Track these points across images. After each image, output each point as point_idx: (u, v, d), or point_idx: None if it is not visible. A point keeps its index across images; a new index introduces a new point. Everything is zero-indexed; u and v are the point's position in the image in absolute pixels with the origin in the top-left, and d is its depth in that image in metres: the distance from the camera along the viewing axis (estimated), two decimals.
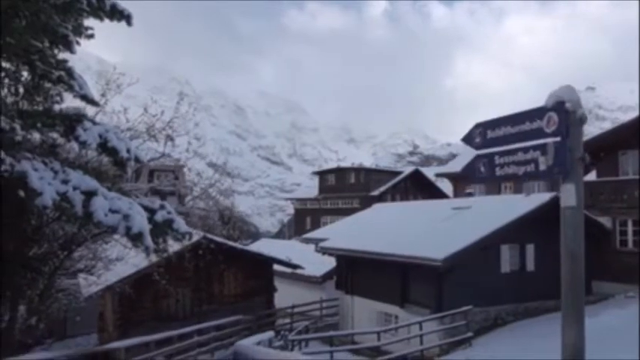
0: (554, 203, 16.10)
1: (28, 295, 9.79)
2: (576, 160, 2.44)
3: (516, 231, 15.66)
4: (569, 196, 2.39)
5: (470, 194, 23.96)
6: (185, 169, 13.63)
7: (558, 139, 2.53)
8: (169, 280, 15.42)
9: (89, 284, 13.88)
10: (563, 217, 2.45)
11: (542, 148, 2.61)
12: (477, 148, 3.13)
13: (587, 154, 2.36)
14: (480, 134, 3.06)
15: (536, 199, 16.95)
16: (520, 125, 2.75)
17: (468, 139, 3.20)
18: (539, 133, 2.63)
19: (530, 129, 2.69)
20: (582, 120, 2.49)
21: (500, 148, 2.92)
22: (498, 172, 2.89)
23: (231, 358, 12.21)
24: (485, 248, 15.19)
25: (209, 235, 18.35)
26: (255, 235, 56.60)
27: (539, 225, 15.83)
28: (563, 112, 2.50)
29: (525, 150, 2.72)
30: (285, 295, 21.94)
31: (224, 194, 14.83)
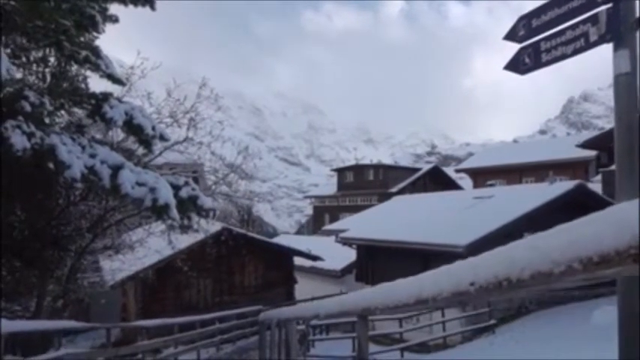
0: (580, 191, 15.82)
1: (56, 275, 9.97)
2: (630, 24, 2.36)
3: (540, 218, 15.37)
4: (622, 62, 2.32)
5: (491, 186, 23.67)
6: (207, 153, 13.76)
7: (610, 5, 2.46)
8: (191, 269, 15.58)
9: (112, 270, 14.08)
10: (616, 86, 2.39)
11: (593, 19, 2.54)
12: (521, 41, 3.03)
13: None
14: (525, 26, 2.97)
15: (560, 186, 16.68)
16: (568, 3, 2.67)
17: (510, 35, 3.09)
18: (589, 5, 2.57)
19: (579, 4, 2.62)
20: None
21: (546, 33, 2.83)
22: (545, 57, 2.80)
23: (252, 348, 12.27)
24: (509, 236, 14.87)
25: (230, 226, 18.55)
26: (273, 236, 56.99)
27: (564, 213, 15.44)
28: None
29: (574, 27, 2.65)
30: (305, 289, 21.96)
31: (245, 179, 14.89)
